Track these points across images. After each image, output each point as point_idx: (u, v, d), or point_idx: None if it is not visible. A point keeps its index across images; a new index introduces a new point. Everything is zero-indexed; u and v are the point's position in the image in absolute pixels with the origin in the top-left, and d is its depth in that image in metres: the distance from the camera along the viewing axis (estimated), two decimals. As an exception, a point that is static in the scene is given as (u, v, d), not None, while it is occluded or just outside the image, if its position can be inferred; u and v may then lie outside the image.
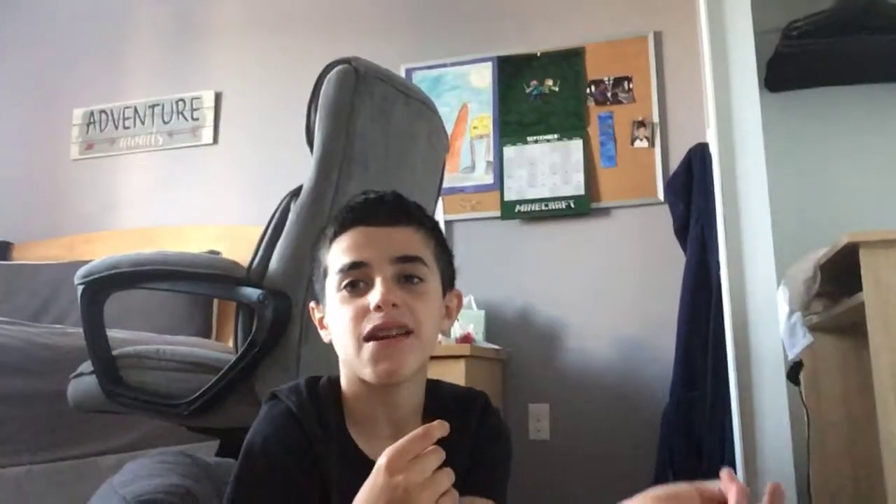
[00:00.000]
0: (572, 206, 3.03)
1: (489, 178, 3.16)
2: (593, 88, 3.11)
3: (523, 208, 3.09)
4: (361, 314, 0.95)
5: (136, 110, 3.72)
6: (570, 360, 2.94)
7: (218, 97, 3.61)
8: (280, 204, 1.54)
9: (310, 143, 1.52)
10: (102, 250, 2.75)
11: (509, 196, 3.11)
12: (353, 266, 0.97)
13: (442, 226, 2.98)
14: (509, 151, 3.15)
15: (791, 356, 2.01)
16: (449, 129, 3.05)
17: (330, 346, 1.02)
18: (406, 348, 0.95)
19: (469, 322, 2.76)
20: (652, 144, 3.00)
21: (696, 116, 2.89)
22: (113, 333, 1.64)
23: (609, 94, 3.08)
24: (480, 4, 3.34)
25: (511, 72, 3.22)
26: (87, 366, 1.61)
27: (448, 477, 0.80)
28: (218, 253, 2.84)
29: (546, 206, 3.06)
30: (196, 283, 1.58)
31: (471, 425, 1.06)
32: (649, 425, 2.68)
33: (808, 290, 2.00)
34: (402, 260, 0.98)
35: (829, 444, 2.21)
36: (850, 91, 2.67)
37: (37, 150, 3.82)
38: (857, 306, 1.75)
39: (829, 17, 2.47)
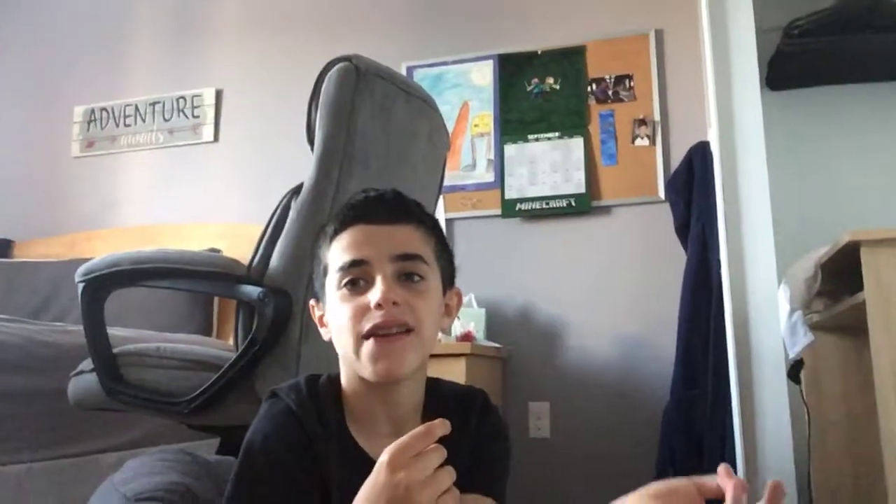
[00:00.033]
0: (573, 204, 3.03)
1: (490, 177, 3.16)
2: (594, 86, 3.11)
3: (524, 206, 3.08)
4: (361, 312, 0.95)
5: (136, 108, 3.72)
6: (571, 358, 2.94)
7: (219, 95, 3.61)
8: (280, 202, 1.54)
9: (310, 140, 1.52)
10: (103, 248, 2.75)
11: (510, 194, 3.11)
12: (354, 264, 0.97)
13: (443, 224, 3.00)
14: (510, 149, 3.15)
15: (792, 355, 2.00)
16: (450, 127, 3.06)
17: (330, 344, 1.02)
18: (406, 346, 0.95)
19: (470, 320, 2.76)
20: (653, 143, 2.99)
21: (698, 115, 2.89)
22: (113, 331, 1.65)
23: (610, 92, 3.08)
24: (481, 2, 3.34)
25: (512, 70, 3.22)
26: (87, 364, 1.61)
27: (449, 475, 0.80)
28: (218, 251, 2.83)
29: (547, 204, 3.06)
30: (196, 281, 1.58)
31: (471, 423, 1.06)
32: (650, 424, 2.68)
33: (808, 288, 2.00)
34: (403, 258, 0.98)
35: (829, 442, 2.21)
36: (851, 90, 2.67)
37: (38, 148, 3.82)
38: (858, 305, 1.75)
39: (831, 15, 2.46)
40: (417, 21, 3.41)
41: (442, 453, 0.79)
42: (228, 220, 3.33)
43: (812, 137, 2.67)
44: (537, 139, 3.12)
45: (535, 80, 3.18)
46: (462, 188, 3.17)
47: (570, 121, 3.10)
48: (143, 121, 3.70)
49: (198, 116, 3.61)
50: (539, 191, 3.08)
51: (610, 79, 3.09)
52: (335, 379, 1.03)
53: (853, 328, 2.12)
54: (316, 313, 1.06)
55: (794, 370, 2.04)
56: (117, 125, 3.73)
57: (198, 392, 1.46)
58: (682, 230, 2.76)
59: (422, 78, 3.28)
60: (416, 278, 0.99)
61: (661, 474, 2.48)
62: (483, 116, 3.23)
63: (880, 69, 2.62)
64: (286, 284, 1.45)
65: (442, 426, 0.80)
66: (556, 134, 3.11)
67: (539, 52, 3.19)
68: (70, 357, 1.72)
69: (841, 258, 1.82)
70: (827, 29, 2.47)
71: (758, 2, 2.13)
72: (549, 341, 2.98)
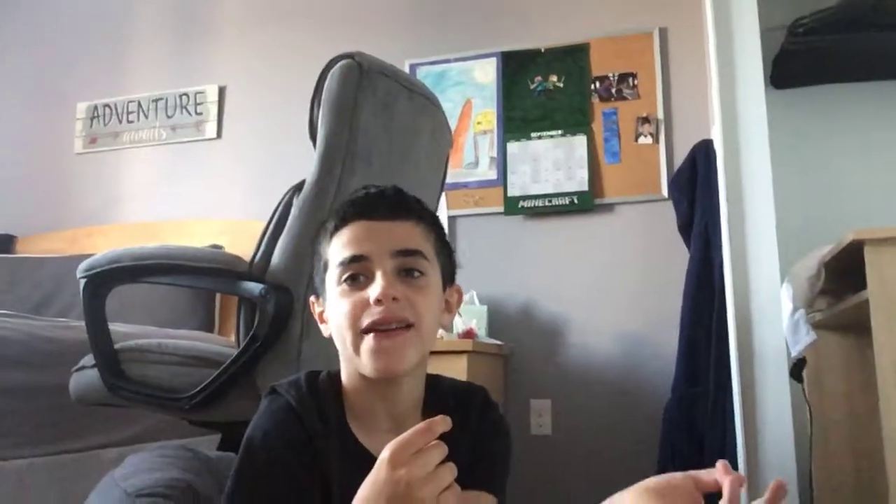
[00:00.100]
0: (576, 202, 3.02)
1: (493, 174, 3.16)
2: (598, 84, 3.10)
3: (527, 204, 3.08)
4: (361, 308, 0.95)
5: (139, 105, 3.71)
6: (573, 355, 2.94)
7: (222, 92, 3.61)
8: (282, 199, 1.54)
9: (313, 138, 1.52)
10: (105, 244, 2.75)
11: (513, 192, 3.10)
12: (354, 259, 0.97)
13: (445, 221, 3.00)
14: (513, 147, 3.14)
15: (794, 353, 2.00)
16: (453, 124, 3.06)
17: (331, 340, 1.02)
18: (406, 342, 0.95)
19: (471, 317, 2.75)
20: (656, 141, 2.99)
21: (701, 113, 2.88)
22: (115, 327, 1.65)
23: (614, 91, 3.08)
24: (485, 0, 3.33)
25: (515, 67, 3.21)
26: (88, 359, 1.62)
27: (450, 472, 0.80)
28: (221, 247, 2.83)
29: (549, 201, 3.05)
30: (198, 277, 1.58)
31: (471, 420, 1.06)
32: (651, 421, 2.68)
33: (812, 287, 2.00)
34: (403, 254, 0.98)
35: (831, 441, 2.21)
36: (856, 88, 2.66)
37: (41, 144, 3.82)
38: (861, 304, 1.75)
39: (836, 13, 2.46)
40: (421, 18, 3.40)
41: (443, 450, 0.79)
42: (231, 217, 3.33)
43: (816, 136, 2.66)
44: (540, 137, 3.12)
45: (539, 78, 3.17)
46: (465, 186, 3.17)
47: (573, 118, 3.10)
48: (146, 117, 3.69)
49: (201, 113, 3.61)
50: (542, 188, 3.07)
51: (614, 77, 3.09)
52: (335, 375, 1.03)
53: (856, 327, 2.12)
54: (316, 310, 1.06)
55: (797, 369, 2.04)
56: (120, 122, 3.73)
57: (199, 388, 1.46)
58: (685, 228, 2.76)
59: (425, 75, 3.28)
60: (416, 274, 0.99)
61: (662, 472, 2.47)
62: (486, 114, 3.22)
63: (884, 67, 2.62)
64: (288, 281, 1.45)
65: (443, 423, 0.79)
66: (560, 132, 3.10)
67: (543, 50, 3.18)
68: (72, 353, 1.73)
69: (845, 257, 1.82)
70: (831, 27, 2.46)
71: (762, 0, 2.12)
72: (551, 339, 2.97)
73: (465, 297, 2.84)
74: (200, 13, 3.73)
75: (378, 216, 1.00)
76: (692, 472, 0.82)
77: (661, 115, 3.00)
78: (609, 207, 3.01)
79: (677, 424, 2.56)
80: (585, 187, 3.01)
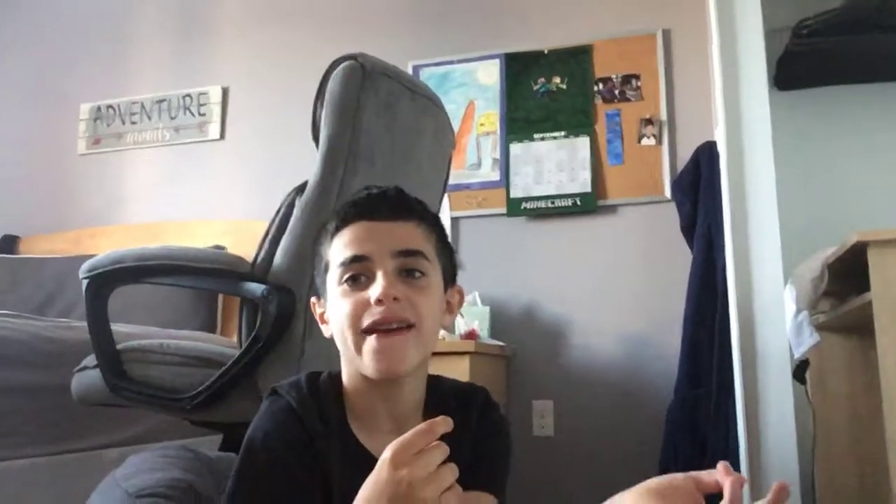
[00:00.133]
0: (578, 203, 3.02)
1: (495, 175, 3.16)
2: (601, 86, 3.10)
3: (529, 205, 3.08)
4: (362, 308, 0.95)
5: (142, 106, 3.72)
6: (575, 356, 2.94)
7: (225, 93, 3.61)
8: (285, 200, 1.54)
9: (316, 138, 1.52)
10: (108, 244, 2.75)
11: (515, 193, 3.10)
12: (355, 260, 0.97)
13: (448, 222, 3.00)
14: (516, 148, 3.14)
15: (797, 355, 2.00)
16: (456, 125, 3.06)
17: (332, 341, 1.02)
18: (407, 342, 0.95)
19: (474, 318, 2.75)
20: (659, 142, 2.99)
21: (705, 114, 2.88)
22: (117, 327, 1.65)
23: (617, 92, 3.07)
24: (488, 2, 3.33)
25: (518, 69, 3.21)
26: (90, 359, 1.62)
27: (452, 472, 0.80)
28: (223, 248, 2.83)
29: (552, 203, 3.05)
30: (200, 278, 1.58)
31: (472, 420, 1.06)
32: (654, 422, 2.68)
33: (815, 288, 1.99)
34: (404, 254, 0.98)
35: (834, 442, 2.20)
36: (860, 90, 2.66)
37: (44, 145, 3.83)
38: (865, 305, 1.74)
39: (840, 15, 2.45)
40: (424, 20, 3.40)
41: (444, 450, 0.79)
42: (233, 218, 3.33)
43: (820, 137, 2.66)
44: (543, 138, 3.12)
45: (542, 80, 3.17)
46: (467, 187, 3.17)
47: (576, 120, 3.10)
48: (150, 118, 3.70)
49: (204, 114, 3.61)
50: (544, 190, 3.07)
51: (617, 78, 3.08)
52: (336, 376, 1.03)
53: (859, 329, 2.12)
54: (317, 310, 1.06)
55: (800, 370, 2.03)
56: (123, 123, 3.73)
57: (201, 388, 1.46)
58: (688, 230, 2.76)
59: (428, 77, 3.28)
60: (417, 274, 0.98)
61: (664, 473, 2.47)
62: (489, 115, 3.22)
63: (889, 69, 2.61)
64: (290, 282, 1.45)
65: (444, 423, 0.79)
66: (562, 133, 3.10)
67: (546, 52, 3.18)
68: (74, 353, 1.73)
69: (848, 258, 1.81)
70: (835, 29, 2.46)
71: (766, 2, 2.12)
72: (554, 340, 2.97)
73: (468, 299, 2.84)
74: (204, 14, 3.74)
75: (379, 217, 1.00)
76: (693, 473, 0.82)
77: (664, 116, 3.00)
78: (612, 209, 3.01)
79: (680, 426, 2.56)
80: (588, 189, 3.01)
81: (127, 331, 1.85)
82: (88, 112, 3.79)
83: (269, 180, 3.23)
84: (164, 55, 3.77)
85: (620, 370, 2.87)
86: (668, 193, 2.91)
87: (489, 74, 3.25)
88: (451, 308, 1.07)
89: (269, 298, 1.43)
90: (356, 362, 0.97)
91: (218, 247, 2.89)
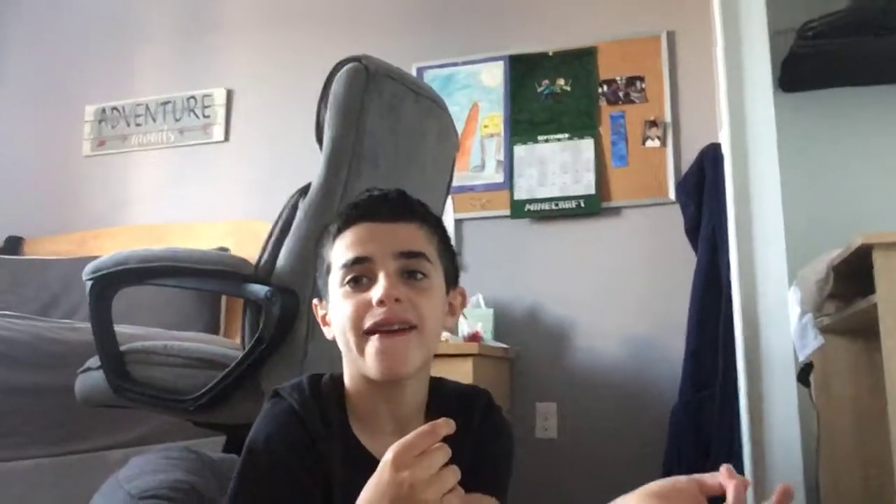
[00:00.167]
0: (582, 205, 3.02)
1: (499, 177, 3.16)
2: (605, 88, 3.09)
3: (533, 207, 3.08)
4: (364, 309, 0.95)
5: (147, 108, 3.73)
6: (579, 359, 2.93)
7: (229, 95, 3.61)
8: (288, 201, 1.54)
9: (319, 140, 1.52)
10: (112, 246, 2.75)
11: (519, 195, 3.10)
12: (357, 261, 0.97)
13: (451, 224, 3.00)
14: (520, 150, 3.14)
15: (801, 358, 1.99)
16: (459, 127, 3.05)
17: (335, 343, 1.02)
18: (409, 343, 0.95)
19: (477, 320, 2.75)
20: (664, 144, 2.98)
21: (709, 116, 2.88)
22: (121, 329, 1.65)
23: (621, 94, 3.07)
24: (493, 3, 3.33)
25: (523, 71, 3.21)
26: (94, 361, 1.62)
27: (454, 474, 0.80)
28: (226, 249, 2.84)
29: (556, 205, 3.05)
30: (204, 279, 1.58)
31: (474, 423, 1.05)
32: (657, 425, 2.67)
33: (820, 291, 1.98)
34: (406, 255, 0.98)
35: (838, 445, 2.19)
36: (864, 92, 2.65)
37: (49, 146, 3.84)
38: (870, 308, 1.73)
39: (845, 17, 2.44)
40: (428, 22, 3.41)
41: (446, 452, 0.79)
42: (237, 219, 3.33)
43: (824, 139, 2.65)
44: (547, 140, 3.11)
45: (546, 82, 3.17)
46: (471, 189, 3.17)
47: (580, 122, 3.09)
48: (154, 120, 3.71)
49: (208, 116, 3.61)
50: (548, 192, 3.07)
51: (621, 80, 3.08)
52: (338, 378, 1.03)
53: (864, 331, 2.11)
54: (319, 312, 1.06)
55: (804, 373, 2.02)
56: (128, 125, 3.74)
57: (204, 390, 1.46)
58: (692, 232, 2.75)
59: (432, 79, 3.27)
60: (419, 276, 0.98)
61: (668, 476, 2.46)
62: (493, 117, 3.22)
63: (894, 71, 2.60)
64: (293, 283, 1.45)
65: (446, 425, 0.79)
66: (566, 135, 3.10)
67: (550, 54, 3.18)
68: (77, 354, 1.73)
69: (853, 260, 1.80)
70: (841, 30, 2.45)
71: (771, 3, 2.12)
72: (557, 342, 2.97)
73: (472, 301, 2.84)
74: (208, 16, 3.74)
75: (381, 218, 1.00)
76: (696, 476, 0.82)
77: (668, 118, 2.99)
78: (616, 211, 3.00)
79: (684, 428, 2.56)
80: (592, 191, 3.01)
81: (130, 332, 1.85)
82: (93, 114, 3.79)
83: (273, 182, 3.23)
84: (169, 57, 3.78)
85: (624, 372, 2.87)
86: (672, 195, 2.91)
87: (493, 76, 3.25)
88: (454, 310, 1.07)
89: (273, 300, 1.43)
90: (358, 364, 0.97)
91: (221, 248, 2.89)
